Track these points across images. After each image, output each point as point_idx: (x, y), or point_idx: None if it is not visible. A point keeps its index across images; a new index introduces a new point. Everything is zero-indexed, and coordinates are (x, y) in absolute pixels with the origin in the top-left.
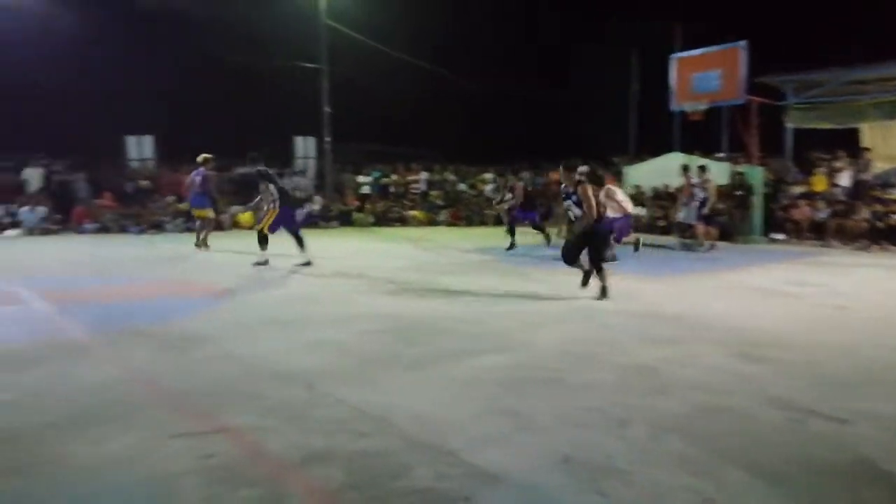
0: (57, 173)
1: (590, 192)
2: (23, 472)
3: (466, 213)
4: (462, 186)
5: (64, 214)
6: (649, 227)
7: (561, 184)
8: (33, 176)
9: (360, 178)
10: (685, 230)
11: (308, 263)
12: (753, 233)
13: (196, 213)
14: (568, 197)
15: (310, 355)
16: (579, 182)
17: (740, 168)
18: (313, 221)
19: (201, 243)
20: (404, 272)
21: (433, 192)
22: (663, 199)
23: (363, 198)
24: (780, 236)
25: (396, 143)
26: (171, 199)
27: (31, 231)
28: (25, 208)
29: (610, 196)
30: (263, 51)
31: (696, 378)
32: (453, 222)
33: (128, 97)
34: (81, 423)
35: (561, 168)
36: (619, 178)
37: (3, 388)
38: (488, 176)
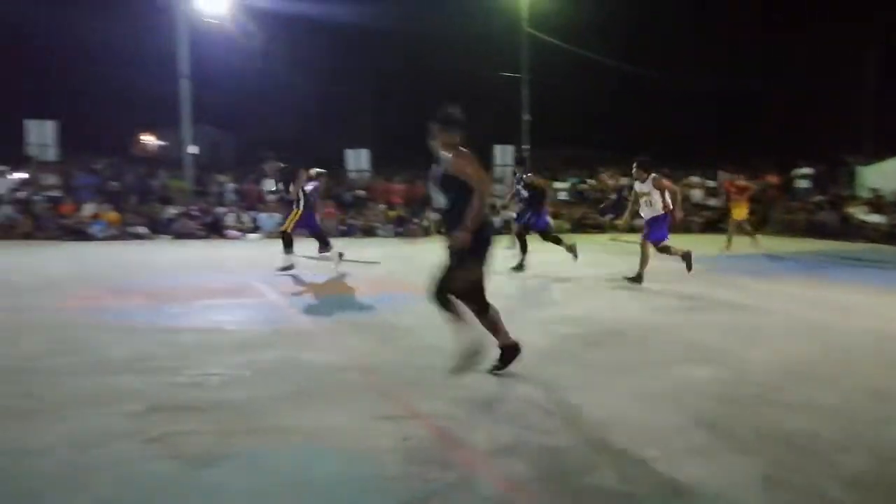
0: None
1: (470, 168)
2: (256, 435)
3: None
4: None
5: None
6: (889, 236)
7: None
8: (271, 186)
9: (557, 185)
10: None
11: (340, 255)
12: None
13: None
14: (440, 184)
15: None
16: (459, 154)
17: None
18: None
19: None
20: (601, 279)
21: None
22: None
23: (560, 204)
24: None
25: (595, 147)
26: (382, 206)
27: (268, 235)
28: (264, 215)
29: (658, 187)
30: (466, 63)
31: None
32: None
33: (347, 114)
34: (304, 400)
35: (436, 124)
36: (851, 180)
37: (243, 367)
38: (695, 179)
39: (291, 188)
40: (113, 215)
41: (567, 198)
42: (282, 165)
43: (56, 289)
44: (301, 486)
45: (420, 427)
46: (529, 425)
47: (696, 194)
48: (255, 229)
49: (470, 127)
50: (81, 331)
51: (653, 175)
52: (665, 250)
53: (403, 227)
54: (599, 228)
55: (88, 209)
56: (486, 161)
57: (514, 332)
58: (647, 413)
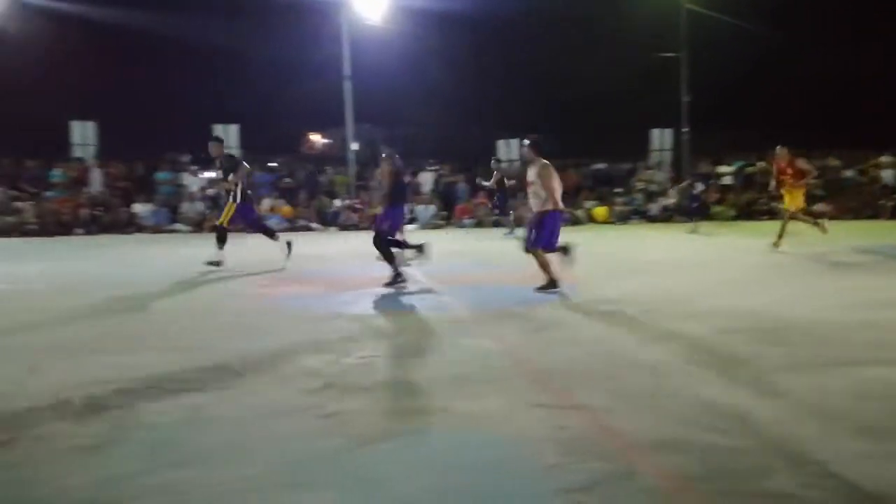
0: (443, 176)
1: None
2: (416, 416)
3: (853, 204)
4: (849, 174)
5: (448, 211)
6: None
7: None
8: (426, 179)
9: (722, 169)
10: None
11: (288, 245)
12: None
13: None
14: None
15: (663, 346)
16: None
17: None
18: (668, 215)
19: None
20: (769, 269)
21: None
22: None
23: (724, 189)
24: None
25: (765, 128)
26: None
27: (423, 226)
28: (420, 207)
29: (542, 176)
30: (622, 46)
31: None
32: (836, 215)
33: (497, 102)
34: (461, 384)
35: None
36: None
37: (406, 350)
38: (885, 160)
39: (231, 177)
40: (287, 209)
41: (731, 182)
42: (227, 153)
43: (242, 277)
44: (458, 468)
45: (576, 417)
46: (695, 421)
47: (888, 175)
48: (412, 220)
49: (628, 110)
50: (260, 315)
51: (541, 161)
52: (538, 258)
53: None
54: (771, 215)
55: (266, 204)
56: (642, 146)
57: (675, 325)
58: (828, 415)
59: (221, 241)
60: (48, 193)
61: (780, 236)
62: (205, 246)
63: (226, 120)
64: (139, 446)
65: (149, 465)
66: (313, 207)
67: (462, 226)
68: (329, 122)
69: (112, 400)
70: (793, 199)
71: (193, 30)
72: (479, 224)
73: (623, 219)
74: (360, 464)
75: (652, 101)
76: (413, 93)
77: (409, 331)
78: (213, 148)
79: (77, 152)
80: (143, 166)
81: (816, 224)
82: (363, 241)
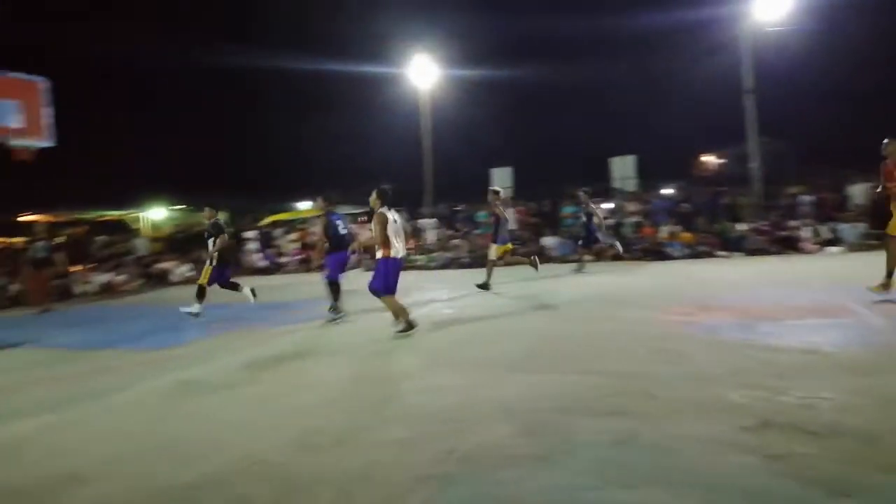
0: (874, 187)
1: None
2: (889, 472)
3: None
4: None
5: (880, 229)
6: None
7: None
8: (855, 192)
9: None
10: None
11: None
12: None
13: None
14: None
15: None
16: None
17: None
18: None
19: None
20: None
21: None
22: None
23: None
24: None
25: None
26: None
27: (851, 247)
28: (846, 225)
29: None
30: None
31: None
32: None
33: None
34: None
35: None
36: None
37: (857, 393)
38: None
39: (212, 243)
40: (687, 235)
41: None
42: (214, 221)
43: (650, 304)
44: None
45: None
46: None
47: None
48: (835, 241)
49: None
50: (677, 342)
51: (378, 211)
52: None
53: None
54: None
55: (664, 231)
56: None
57: None
58: None
59: (201, 296)
60: (476, 231)
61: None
62: (606, 275)
63: (623, 152)
64: (586, 462)
65: (597, 481)
66: (715, 232)
67: None
68: (721, 141)
69: (550, 416)
70: None
71: (588, 74)
72: None
73: None
74: None
75: None
76: (820, 96)
77: (857, 371)
78: (205, 213)
79: None
80: (549, 203)
81: None
82: (775, 265)
